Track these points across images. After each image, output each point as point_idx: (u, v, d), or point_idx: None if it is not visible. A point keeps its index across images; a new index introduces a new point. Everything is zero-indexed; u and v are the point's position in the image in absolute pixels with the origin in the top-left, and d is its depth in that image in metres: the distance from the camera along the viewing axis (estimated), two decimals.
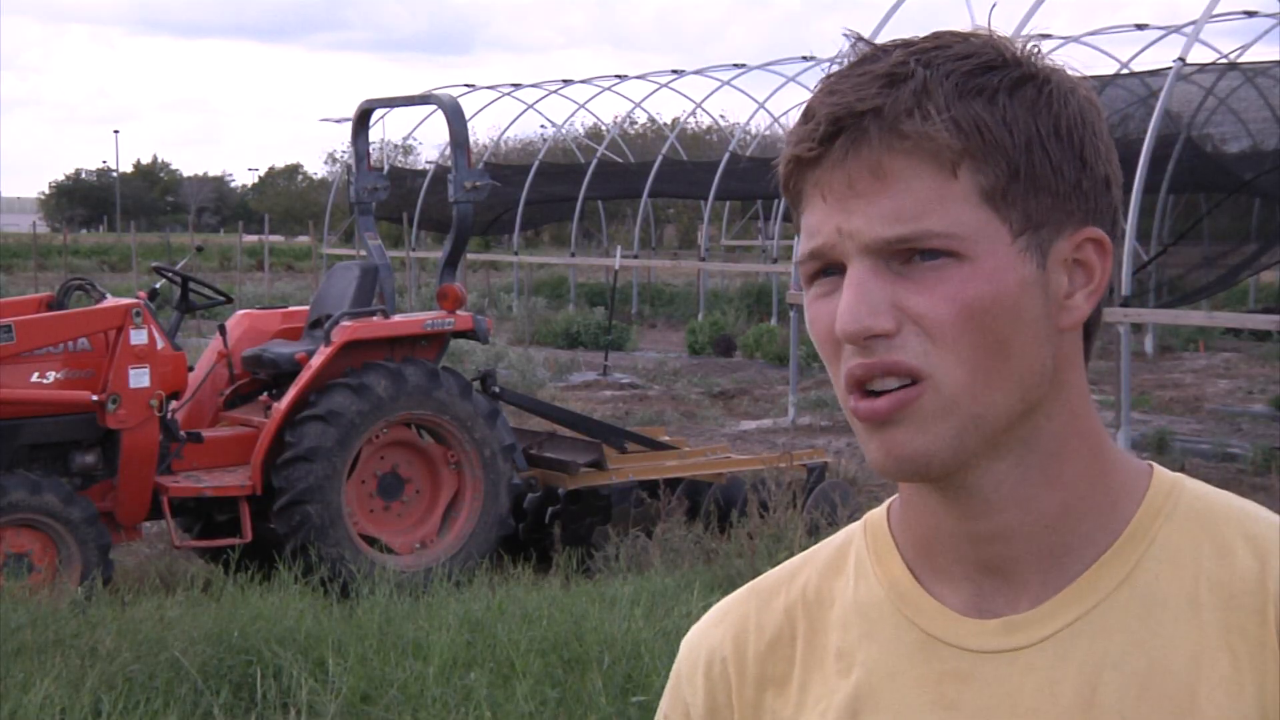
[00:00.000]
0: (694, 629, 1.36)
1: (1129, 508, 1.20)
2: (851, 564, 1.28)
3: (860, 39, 1.19)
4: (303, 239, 57.29)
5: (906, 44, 1.16)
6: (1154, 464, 1.24)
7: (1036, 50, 1.18)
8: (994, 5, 1.47)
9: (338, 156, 63.46)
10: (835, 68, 1.18)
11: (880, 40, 1.19)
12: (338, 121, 48.75)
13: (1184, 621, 1.16)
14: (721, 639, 1.32)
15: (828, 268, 1.17)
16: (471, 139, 10.08)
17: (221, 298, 9.47)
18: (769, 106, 49.17)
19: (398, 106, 10.89)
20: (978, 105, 1.13)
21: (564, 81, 34.41)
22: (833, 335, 1.15)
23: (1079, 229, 1.17)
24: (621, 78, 33.72)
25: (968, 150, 1.13)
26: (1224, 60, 18.98)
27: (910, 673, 1.22)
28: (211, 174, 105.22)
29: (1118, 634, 1.17)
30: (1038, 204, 1.15)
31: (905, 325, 1.13)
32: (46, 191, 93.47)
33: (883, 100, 1.13)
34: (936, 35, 1.17)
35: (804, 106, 1.17)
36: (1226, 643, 1.15)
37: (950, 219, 1.13)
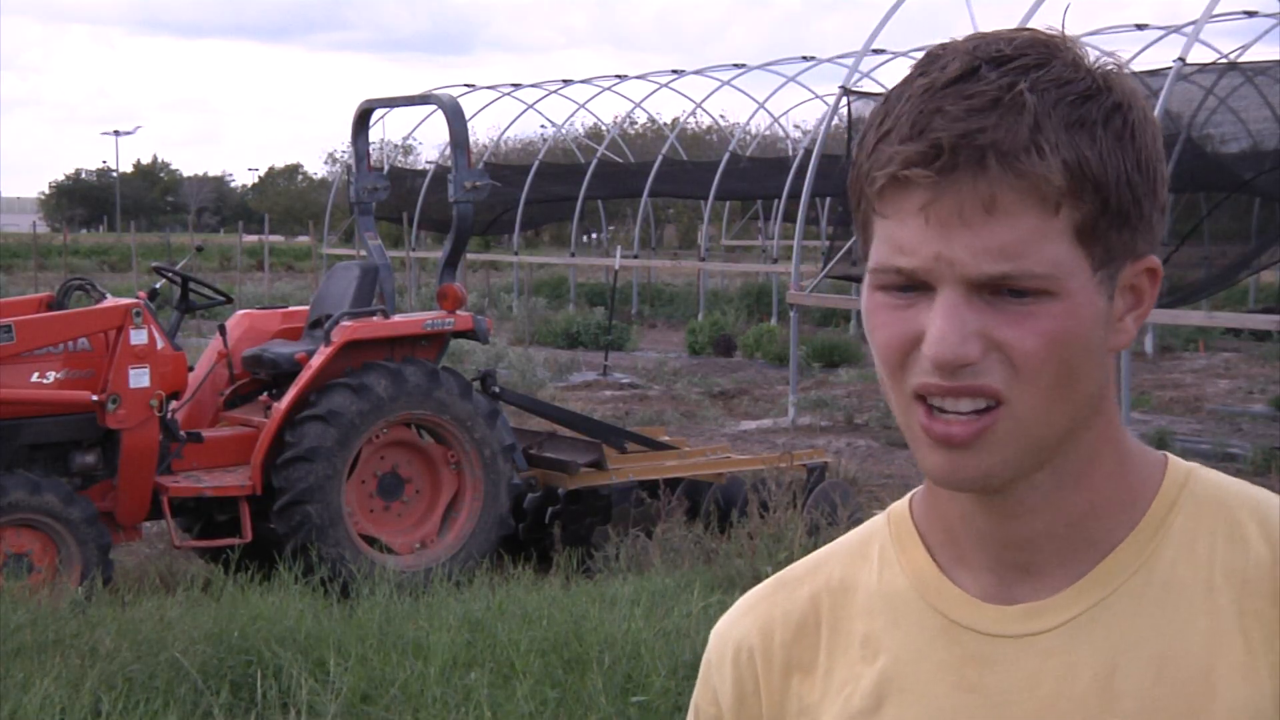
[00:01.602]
0: (722, 620, 1.40)
1: (1146, 498, 1.24)
2: (875, 553, 1.32)
3: (944, 49, 1.18)
4: (303, 239, 57.30)
5: (1004, 59, 1.16)
6: (1169, 454, 1.28)
7: (1113, 67, 1.19)
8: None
9: (338, 156, 63.49)
10: (925, 77, 1.17)
11: (952, 39, 1.20)
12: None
13: (1199, 606, 1.20)
14: (749, 629, 1.35)
15: (911, 285, 1.17)
16: (471, 139, 10.08)
17: (221, 298, 9.46)
18: (769, 106, 49.24)
19: (398, 106, 10.89)
20: (1082, 141, 1.14)
21: (564, 81, 34.40)
22: (902, 346, 1.18)
23: (1141, 258, 1.21)
24: (621, 78, 33.71)
25: (1071, 188, 1.14)
26: (1224, 60, 18.96)
27: (933, 657, 1.25)
28: (211, 174, 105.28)
29: (1135, 619, 1.20)
30: (1118, 238, 1.18)
31: (989, 353, 1.15)
32: (46, 191, 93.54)
33: (1001, 134, 1.13)
34: (1029, 44, 1.17)
35: (897, 114, 1.16)
36: (1241, 627, 1.19)
37: (1049, 259, 1.15)
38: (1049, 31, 1.19)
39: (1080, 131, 1.14)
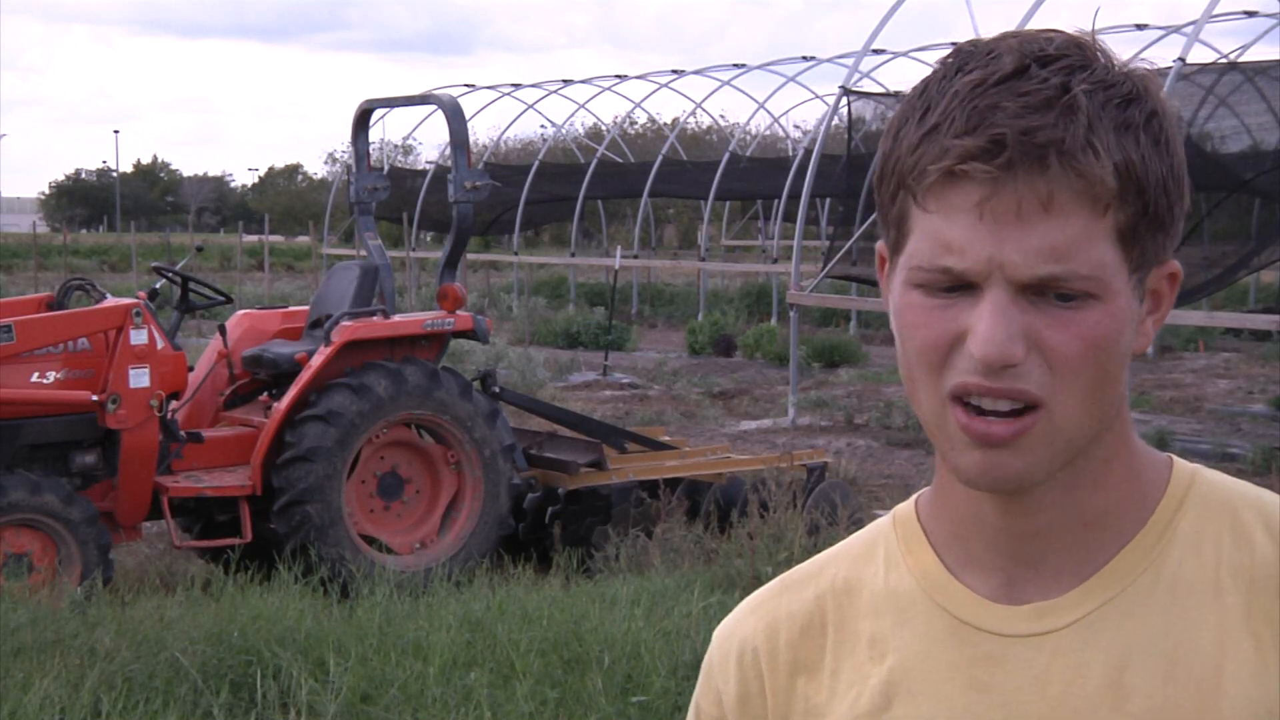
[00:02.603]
0: (726, 620, 1.40)
1: (1153, 499, 1.25)
2: (881, 555, 1.32)
3: (977, 43, 1.19)
4: (303, 239, 57.29)
5: (1049, 58, 1.16)
6: (1173, 456, 1.29)
7: (1143, 70, 1.19)
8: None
9: (338, 156, 63.52)
10: (967, 73, 1.16)
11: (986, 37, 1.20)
12: None
13: (1207, 606, 1.21)
14: (753, 629, 1.35)
15: (955, 285, 1.17)
16: (471, 139, 10.08)
17: (221, 298, 9.46)
18: (769, 106, 49.26)
19: (398, 106, 10.88)
20: (1129, 143, 1.15)
21: (564, 81, 34.41)
22: (941, 346, 1.17)
23: (1165, 263, 1.22)
24: (621, 78, 33.72)
25: (1120, 190, 1.15)
26: (1224, 60, 18.97)
27: (942, 657, 1.25)
28: (211, 174, 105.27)
29: (1144, 618, 1.21)
30: (1153, 241, 1.19)
31: (1031, 354, 1.15)
32: (46, 191, 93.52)
33: (1060, 133, 1.13)
34: (1067, 45, 1.17)
35: (945, 108, 1.15)
36: (1249, 626, 1.19)
37: (1095, 261, 1.15)
38: (1079, 33, 1.19)
39: (1126, 134, 1.15)
